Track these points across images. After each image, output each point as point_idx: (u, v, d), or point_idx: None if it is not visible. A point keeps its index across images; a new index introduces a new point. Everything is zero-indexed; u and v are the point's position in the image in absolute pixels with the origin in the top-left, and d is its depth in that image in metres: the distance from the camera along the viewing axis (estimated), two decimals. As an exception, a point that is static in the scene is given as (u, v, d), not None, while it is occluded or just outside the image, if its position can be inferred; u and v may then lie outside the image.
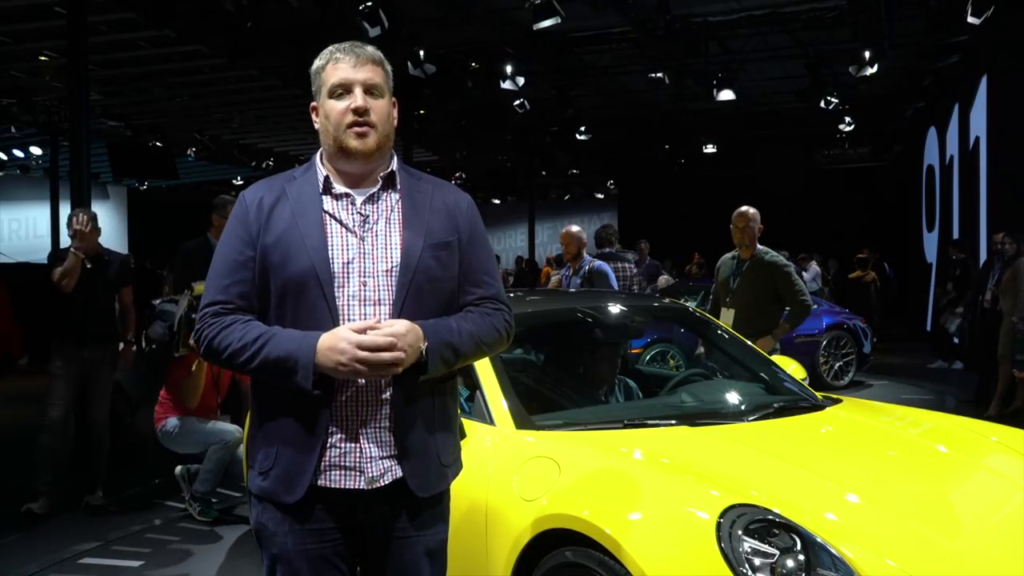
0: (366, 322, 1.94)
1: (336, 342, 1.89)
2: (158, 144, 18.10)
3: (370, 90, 2.03)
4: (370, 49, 2.07)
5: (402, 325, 1.93)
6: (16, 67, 14.01)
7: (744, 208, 5.61)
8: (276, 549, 2.05)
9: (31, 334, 12.72)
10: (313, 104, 2.11)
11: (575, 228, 6.73)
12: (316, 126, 2.10)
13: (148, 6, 9.83)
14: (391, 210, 2.07)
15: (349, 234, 2.03)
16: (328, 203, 2.05)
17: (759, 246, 5.54)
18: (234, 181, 25.14)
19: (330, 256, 2.00)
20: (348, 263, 2.00)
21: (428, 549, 2.10)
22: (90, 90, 10.74)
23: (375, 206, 2.06)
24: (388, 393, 2.00)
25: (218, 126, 19.01)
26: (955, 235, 13.05)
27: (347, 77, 2.02)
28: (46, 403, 5.40)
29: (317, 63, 2.08)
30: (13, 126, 16.73)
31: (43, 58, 13.40)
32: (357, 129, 2.01)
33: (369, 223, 2.04)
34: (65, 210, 10.16)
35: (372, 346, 1.89)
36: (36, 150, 19.30)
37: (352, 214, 2.04)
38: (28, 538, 5.02)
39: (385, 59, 2.11)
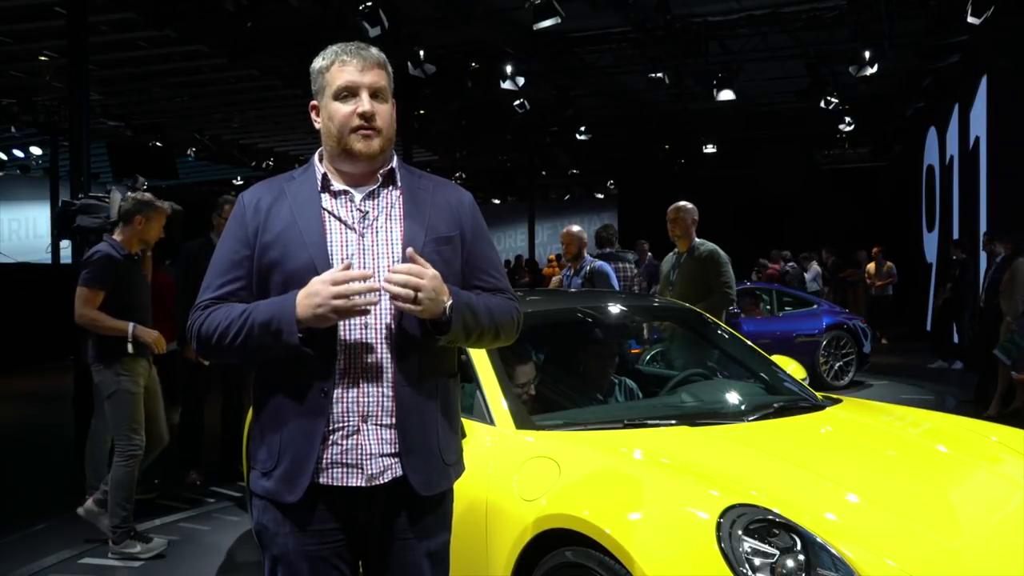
0: (338, 267, 1.93)
1: (310, 287, 1.91)
2: (158, 144, 18.10)
3: (376, 94, 2.03)
4: (375, 51, 2.07)
5: (432, 270, 1.93)
6: (16, 67, 14.00)
7: (679, 202, 5.68)
8: (277, 550, 2.05)
9: (29, 335, 12.72)
10: (313, 103, 2.10)
11: (576, 228, 6.74)
12: (316, 125, 2.09)
13: (148, 6, 9.83)
14: (391, 206, 2.07)
15: (348, 231, 2.03)
16: (327, 201, 2.06)
17: (696, 239, 5.57)
18: (234, 181, 25.11)
19: (329, 252, 2.00)
20: (348, 259, 2.00)
21: (430, 551, 2.09)
22: (90, 90, 10.74)
23: (375, 202, 2.06)
24: (390, 389, 2.00)
25: (218, 126, 19.00)
26: (955, 235, 13.05)
27: (354, 80, 2.02)
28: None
29: (320, 62, 2.07)
30: (13, 126, 16.72)
31: (43, 58, 13.39)
32: (363, 132, 2.01)
33: (368, 219, 2.05)
34: (65, 210, 10.13)
35: (344, 279, 1.89)
36: (36, 150, 19.30)
37: (351, 211, 2.05)
38: (28, 538, 5.02)
39: (387, 61, 2.11)
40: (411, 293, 1.89)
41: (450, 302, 1.96)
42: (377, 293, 1.93)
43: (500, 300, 2.13)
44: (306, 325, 1.91)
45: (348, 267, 1.92)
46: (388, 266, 2.01)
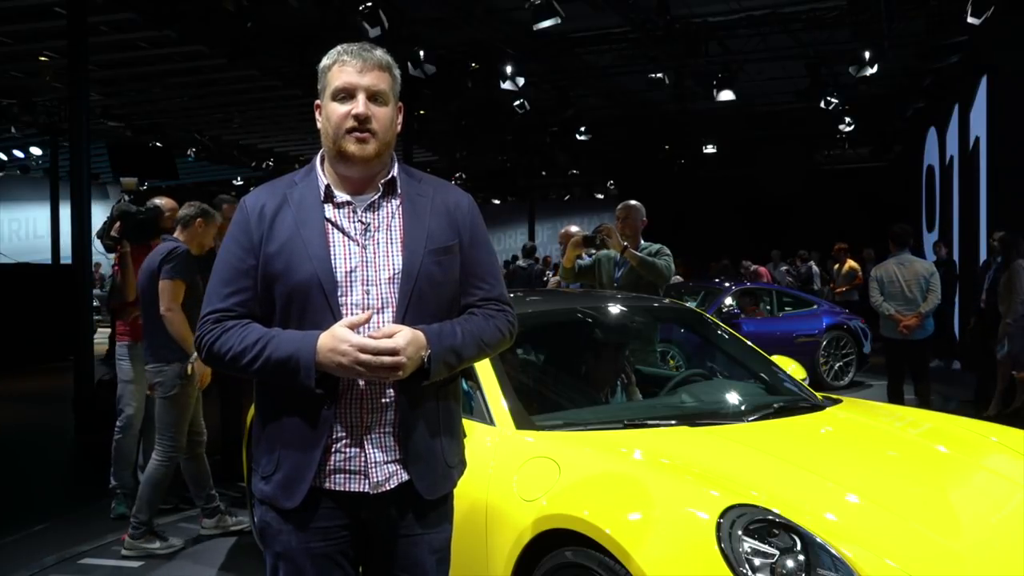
0: (360, 316, 1.94)
1: (336, 344, 1.89)
2: (158, 144, 18.10)
3: (374, 96, 2.01)
4: (378, 53, 2.04)
5: (403, 337, 1.91)
6: (16, 67, 14.01)
7: (629, 201, 5.67)
8: (280, 548, 2.04)
9: (29, 335, 12.72)
10: (317, 102, 2.09)
11: (574, 228, 6.72)
12: (319, 125, 2.08)
13: (148, 6, 9.83)
14: (392, 216, 2.06)
15: (351, 243, 2.02)
16: (330, 211, 2.04)
17: (642, 241, 5.55)
18: (234, 181, 25.12)
19: (333, 265, 1.99)
20: (351, 271, 2.00)
21: (433, 547, 2.10)
22: (90, 90, 10.75)
23: (376, 214, 2.05)
24: (391, 397, 2.00)
25: (218, 126, 19.01)
26: (956, 235, 13.06)
27: (351, 82, 2.00)
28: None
29: (324, 62, 2.05)
30: (13, 126, 16.73)
31: (43, 58, 13.40)
32: (357, 135, 1.99)
33: (370, 231, 2.03)
34: (65, 210, 10.16)
35: (374, 350, 1.88)
36: (36, 150, 19.31)
37: (354, 222, 2.03)
38: (28, 538, 5.02)
39: (394, 64, 2.07)
40: (397, 374, 1.91)
41: (428, 353, 1.96)
42: (399, 360, 1.91)
43: (490, 318, 2.11)
44: (323, 371, 1.92)
45: (368, 319, 1.93)
46: (389, 278, 2.00)
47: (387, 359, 1.88)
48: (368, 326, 1.96)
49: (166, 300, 4.62)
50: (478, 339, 2.06)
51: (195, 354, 4.59)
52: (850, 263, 13.97)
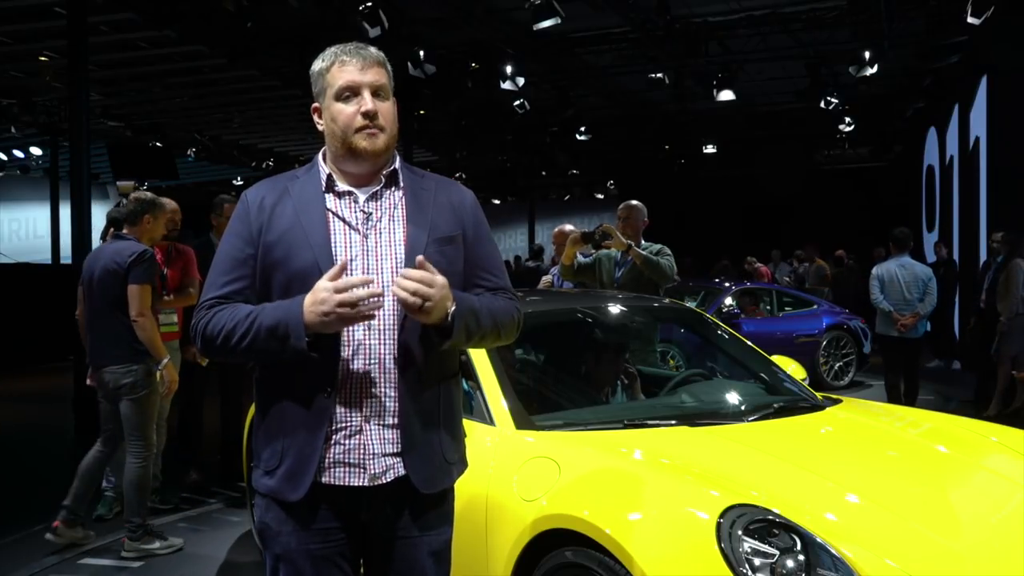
0: (335, 268, 1.90)
1: (315, 294, 1.89)
2: (158, 144, 18.11)
3: (377, 92, 2.03)
4: (373, 50, 2.07)
5: (441, 278, 1.91)
6: (16, 67, 14.01)
7: (631, 201, 5.68)
8: (279, 549, 2.05)
9: (29, 335, 12.72)
10: (315, 105, 2.10)
11: (568, 227, 6.70)
12: (319, 127, 2.09)
13: (148, 6, 9.84)
14: (394, 207, 2.07)
15: (352, 231, 2.03)
16: (331, 201, 2.05)
17: (643, 241, 5.55)
18: (234, 181, 25.11)
19: (333, 253, 1.99)
20: (352, 260, 2.00)
21: (432, 549, 2.10)
22: (90, 90, 10.75)
23: (378, 203, 2.06)
24: (392, 388, 2.00)
25: (218, 126, 19.00)
26: (956, 235, 13.06)
27: (355, 80, 2.01)
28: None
29: (320, 64, 2.07)
30: (13, 126, 16.73)
31: (43, 58, 13.40)
32: (368, 131, 2.01)
33: (372, 220, 2.04)
34: (65, 210, 10.16)
35: (346, 286, 1.87)
36: (36, 150, 19.32)
37: (355, 211, 2.04)
38: (28, 538, 5.02)
39: (387, 60, 2.11)
40: (419, 301, 1.88)
41: (453, 308, 1.95)
42: (380, 297, 1.92)
43: (502, 301, 2.13)
44: (313, 331, 1.91)
45: (343, 267, 1.91)
46: (392, 267, 2.01)
47: (360, 291, 1.85)
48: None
49: (137, 305, 4.58)
50: (493, 314, 2.07)
51: (165, 359, 4.61)
52: (819, 261, 14.43)
